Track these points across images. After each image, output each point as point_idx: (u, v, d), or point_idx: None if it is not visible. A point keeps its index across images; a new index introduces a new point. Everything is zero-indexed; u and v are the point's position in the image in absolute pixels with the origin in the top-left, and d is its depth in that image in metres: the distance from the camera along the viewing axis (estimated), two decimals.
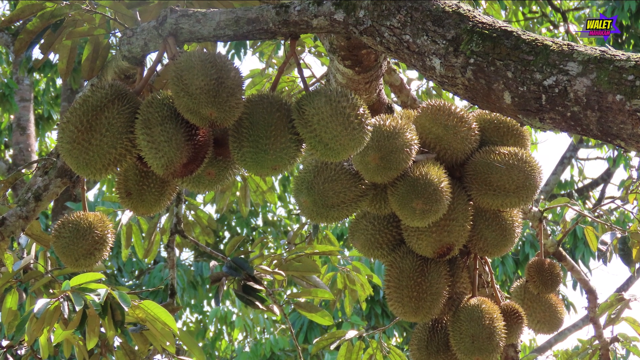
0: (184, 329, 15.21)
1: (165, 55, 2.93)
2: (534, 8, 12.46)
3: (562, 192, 16.69)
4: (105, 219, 3.26)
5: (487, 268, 3.66)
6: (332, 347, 4.93)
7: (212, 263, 5.32)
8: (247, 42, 11.18)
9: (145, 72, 3.04)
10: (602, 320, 5.12)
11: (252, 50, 6.70)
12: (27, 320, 3.73)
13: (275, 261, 4.99)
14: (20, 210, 3.76)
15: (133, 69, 3.17)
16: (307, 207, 3.08)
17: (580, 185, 17.38)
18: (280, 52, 6.61)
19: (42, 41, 3.56)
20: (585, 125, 2.41)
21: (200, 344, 14.77)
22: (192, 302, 14.46)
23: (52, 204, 11.14)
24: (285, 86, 5.77)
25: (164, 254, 13.60)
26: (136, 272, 14.34)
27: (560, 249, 4.69)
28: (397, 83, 4.37)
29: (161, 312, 3.86)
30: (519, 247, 13.46)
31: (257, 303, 4.68)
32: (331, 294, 4.95)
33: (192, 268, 13.71)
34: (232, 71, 2.72)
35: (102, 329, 3.89)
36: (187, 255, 14.90)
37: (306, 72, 5.64)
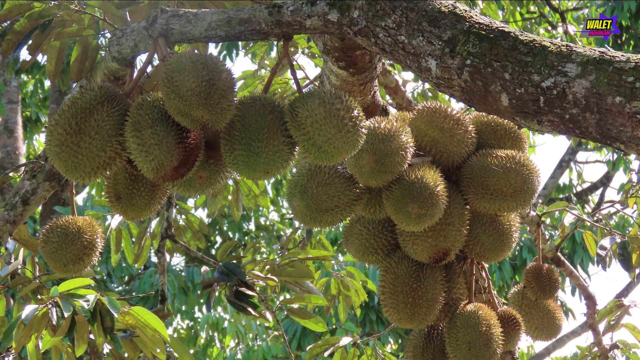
0: (175, 335, 15.17)
1: (155, 56, 2.92)
2: (532, 8, 12.50)
3: (561, 196, 16.69)
4: (94, 224, 3.24)
5: (484, 273, 3.66)
6: (326, 354, 4.93)
7: (204, 268, 5.30)
8: (239, 43, 11.18)
9: (135, 74, 3.02)
10: (601, 326, 5.13)
11: (244, 52, 6.70)
12: (14, 327, 3.71)
13: (267, 266, 4.97)
14: (7, 215, 3.74)
15: (123, 70, 3.15)
16: (301, 211, 3.06)
17: (579, 189, 17.37)
18: (273, 53, 6.60)
19: (30, 42, 3.56)
20: (584, 127, 2.39)
21: (192, 351, 14.74)
22: (183, 308, 14.41)
23: (40, 208, 11.10)
24: (278, 88, 5.77)
25: (154, 259, 13.57)
26: (126, 278, 14.30)
27: (559, 254, 4.70)
28: (392, 85, 4.37)
29: (151, 318, 3.83)
30: (517, 252, 13.44)
31: (250, 309, 4.66)
32: (325, 300, 4.96)
33: (183, 273, 13.67)
34: (224, 73, 2.70)
35: (92, 336, 3.87)
36: (178, 261, 14.89)
37: (299, 74, 5.65)
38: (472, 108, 2.67)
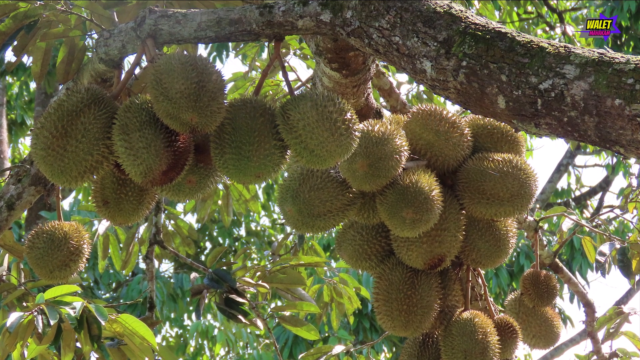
0: (164, 343, 15.14)
1: (143, 57, 2.91)
2: (530, 8, 12.55)
3: (559, 200, 16.72)
4: (81, 229, 3.21)
5: (480, 280, 3.65)
6: None
7: (193, 275, 5.26)
8: (230, 44, 11.16)
9: (123, 76, 3.00)
10: (600, 334, 5.12)
11: (235, 53, 6.69)
12: None
13: (258, 273, 4.95)
14: None
15: (110, 72, 3.14)
16: (292, 216, 3.03)
17: (577, 193, 17.39)
18: (264, 55, 6.59)
19: (15, 43, 3.57)
20: (582, 130, 2.37)
21: None
22: (172, 315, 14.39)
23: (25, 213, 11.05)
24: (269, 90, 5.77)
25: (142, 265, 13.49)
26: (113, 285, 14.27)
27: (557, 260, 4.70)
28: (386, 87, 4.37)
29: (139, 326, 3.81)
30: (514, 258, 13.46)
31: (240, 317, 4.64)
32: (317, 307, 4.97)
33: (171, 280, 13.65)
34: (214, 74, 2.68)
35: (78, 344, 3.86)
36: (166, 267, 14.83)
37: (291, 76, 5.64)
38: (468, 111, 2.65)
